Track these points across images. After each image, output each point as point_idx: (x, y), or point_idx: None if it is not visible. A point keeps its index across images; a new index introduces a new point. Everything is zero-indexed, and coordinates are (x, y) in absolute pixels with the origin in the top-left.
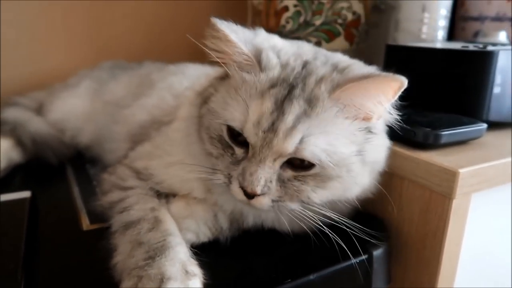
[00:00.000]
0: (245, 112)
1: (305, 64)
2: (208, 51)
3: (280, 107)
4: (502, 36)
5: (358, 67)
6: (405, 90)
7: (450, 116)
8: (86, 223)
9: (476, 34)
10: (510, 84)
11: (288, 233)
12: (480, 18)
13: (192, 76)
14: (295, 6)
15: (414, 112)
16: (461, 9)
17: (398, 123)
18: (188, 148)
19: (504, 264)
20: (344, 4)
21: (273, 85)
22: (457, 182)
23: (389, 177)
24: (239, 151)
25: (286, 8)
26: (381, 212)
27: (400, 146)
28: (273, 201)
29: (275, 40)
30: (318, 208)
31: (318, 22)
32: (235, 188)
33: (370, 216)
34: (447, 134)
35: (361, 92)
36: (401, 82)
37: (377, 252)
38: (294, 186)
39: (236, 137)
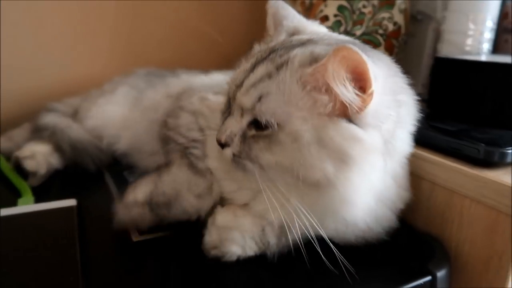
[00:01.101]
0: (233, 73)
1: (308, 40)
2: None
3: (253, 67)
4: None
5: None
6: (456, 104)
7: (510, 133)
8: (135, 234)
9: None
10: None
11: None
12: None
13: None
14: (335, 16)
15: (472, 128)
16: (505, 21)
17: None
18: None
19: None
20: (386, 15)
21: (262, 50)
22: None
23: (449, 195)
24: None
25: (326, 18)
26: (437, 231)
27: (458, 162)
28: (234, 155)
29: (316, 26)
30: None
31: (358, 32)
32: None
33: (426, 235)
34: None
35: (321, 70)
36: (348, 50)
37: (441, 274)
38: (249, 144)
39: None
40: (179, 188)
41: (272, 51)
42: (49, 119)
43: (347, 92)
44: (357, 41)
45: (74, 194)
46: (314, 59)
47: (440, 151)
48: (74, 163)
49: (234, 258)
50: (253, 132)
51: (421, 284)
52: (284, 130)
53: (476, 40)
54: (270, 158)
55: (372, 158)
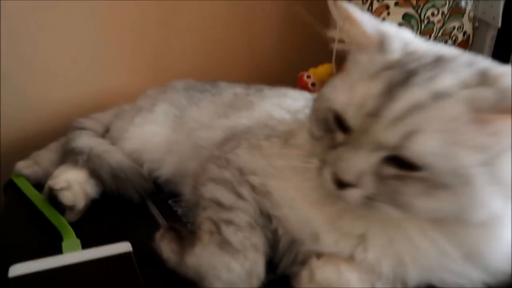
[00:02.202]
0: (349, 94)
1: (439, 58)
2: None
3: (390, 92)
4: None
5: None
6: None
7: None
8: None
9: None
10: None
11: None
12: None
13: (300, 98)
14: (399, 25)
15: None
16: None
17: None
18: (306, 148)
19: None
20: (456, 24)
21: (387, 68)
22: None
23: None
24: (340, 136)
25: None
26: None
27: None
28: (366, 197)
29: (409, 35)
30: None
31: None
32: (326, 173)
33: None
34: None
35: None
36: None
37: None
38: (393, 186)
39: (342, 122)
40: (204, 275)
41: (410, 72)
42: (83, 141)
43: None
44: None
45: (118, 230)
46: (491, 106)
47: None
48: (114, 192)
49: None
50: (393, 170)
51: None
52: (450, 171)
53: None
54: (429, 204)
55: None
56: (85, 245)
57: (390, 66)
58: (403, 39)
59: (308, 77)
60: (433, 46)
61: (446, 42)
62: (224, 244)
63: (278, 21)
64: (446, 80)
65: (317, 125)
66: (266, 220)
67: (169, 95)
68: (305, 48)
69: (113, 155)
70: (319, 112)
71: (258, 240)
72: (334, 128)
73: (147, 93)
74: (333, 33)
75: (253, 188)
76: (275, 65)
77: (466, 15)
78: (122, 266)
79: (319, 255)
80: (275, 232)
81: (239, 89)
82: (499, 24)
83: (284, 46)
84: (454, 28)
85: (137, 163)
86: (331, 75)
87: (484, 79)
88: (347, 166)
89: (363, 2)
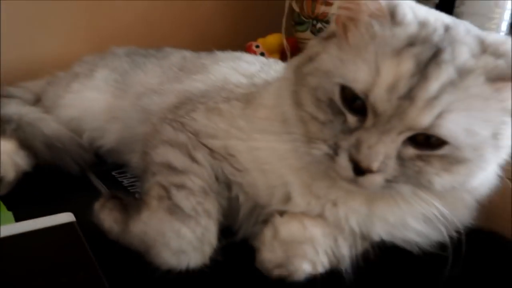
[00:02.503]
0: (373, 72)
1: (447, 28)
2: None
3: (422, 71)
4: None
5: None
6: None
7: None
8: None
9: None
10: None
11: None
12: None
13: (255, 62)
14: None
15: None
16: None
17: None
18: (277, 112)
19: None
20: None
21: (411, 43)
22: None
23: None
24: (352, 118)
25: None
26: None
27: None
28: (386, 180)
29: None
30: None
31: None
32: (343, 161)
33: (494, 235)
34: None
35: None
36: None
37: None
38: (415, 167)
39: (350, 102)
40: (151, 243)
41: (437, 48)
42: (11, 109)
43: None
44: None
45: (60, 204)
46: (501, 76)
47: None
48: (51, 164)
49: (302, 277)
50: (413, 151)
51: None
52: (471, 146)
53: (495, 23)
54: (448, 179)
55: None
56: (23, 219)
57: (413, 42)
58: (409, 5)
59: (257, 46)
60: (429, 10)
61: None
62: (175, 210)
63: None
64: (464, 54)
65: (319, 107)
66: (223, 187)
67: (110, 61)
68: (252, 18)
69: (47, 124)
70: (318, 91)
71: (211, 206)
72: (343, 110)
73: (84, 59)
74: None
75: (211, 152)
76: (222, 35)
77: None
78: (66, 236)
79: (281, 213)
80: (235, 199)
81: (187, 53)
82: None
83: (231, 16)
84: None
85: (75, 133)
86: (280, 45)
87: (484, 47)
88: (372, 153)
89: None
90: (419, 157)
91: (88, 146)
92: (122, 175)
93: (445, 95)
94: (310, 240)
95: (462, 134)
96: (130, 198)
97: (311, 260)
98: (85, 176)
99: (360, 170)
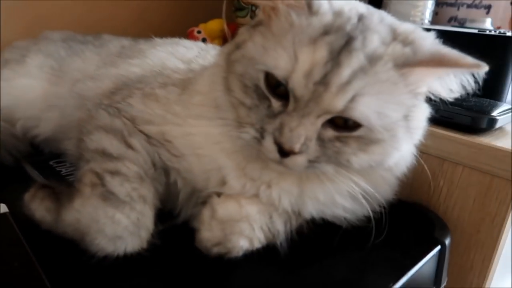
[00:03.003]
0: (292, 60)
1: (361, 17)
2: None
3: (335, 58)
4: (488, 23)
5: (423, 38)
6: None
7: (486, 101)
8: None
9: (451, 19)
10: None
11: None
12: (456, 4)
13: (193, 47)
14: None
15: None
16: None
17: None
18: (211, 97)
19: None
20: None
21: (326, 32)
22: None
23: (438, 163)
24: (276, 103)
25: None
26: (423, 200)
27: (446, 130)
28: (309, 161)
29: None
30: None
31: None
32: (269, 144)
33: (417, 205)
34: (501, 118)
35: (433, 75)
36: (482, 68)
37: (447, 241)
38: (334, 147)
39: (274, 87)
40: (85, 231)
41: (349, 37)
42: None
43: (445, 88)
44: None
45: None
46: (407, 62)
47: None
48: None
49: (240, 253)
50: (332, 132)
51: (434, 254)
52: (384, 127)
53: (420, 11)
54: (365, 158)
55: None
56: None
57: (328, 30)
58: None
59: (199, 32)
60: (347, 0)
61: None
62: (108, 196)
63: None
64: (374, 41)
65: (246, 92)
66: (160, 173)
67: (44, 46)
68: (193, 4)
69: None
70: (245, 77)
71: (147, 192)
72: (268, 95)
73: (15, 45)
74: None
75: (148, 138)
76: (164, 21)
77: None
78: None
79: (219, 194)
80: (174, 184)
81: (126, 41)
82: None
83: (172, 2)
84: None
85: (8, 122)
86: (221, 30)
87: (395, 35)
88: (294, 135)
89: None
90: (338, 139)
91: (23, 135)
92: (60, 164)
93: (357, 80)
94: (246, 218)
95: (373, 116)
96: (62, 187)
97: (248, 237)
98: (20, 167)
99: (284, 152)
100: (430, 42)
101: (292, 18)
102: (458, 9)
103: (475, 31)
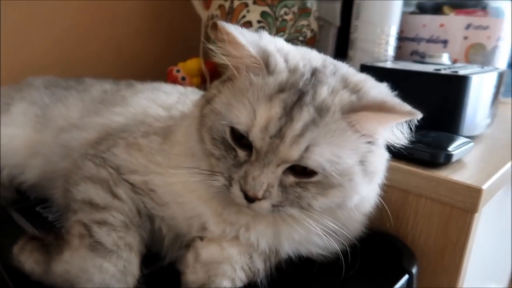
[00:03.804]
0: (251, 116)
1: (314, 72)
2: (215, 53)
3: (289, 113)
4: (445, 58)
5: (371, 87)
6: None
7: (444, 135)
8: None
9: (412, 53)
10: (478, 102)
11: (321, 259)
12: (416, 39)
13: (173, 92)
14: (259, 22)
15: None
16: (398, 29)
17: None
18: (188, 147)
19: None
20: (305, 22)
21: (281, 90)
22: (480, 198)
23: (404, 195)
24: (242, 153)
25: (249, 24)
26: (393, 230)
27: (408, 165)
28: (273, 205)
29: (281, 42)
30: (320, 217)
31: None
32: (236, 191)
33: (385, 235)
34: (457, 153)
35: (375, 120)
36: (416, 115)
37: (415, 270)
38: (295, 192)
39: (240, 139)
40: (74, 281)
41: (301, 93)
42: None
43: (392, 135)
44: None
45: None
46: (352, 109)
47: (392, 156)
48: None
49: None
50: (293, 179)
51: (403, 283)
52: (339, 173)
53: (383, 48)
54: (325, 201)
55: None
56: None
57: (283, 88)
58: (283, 53)
59: (178, 71)
60: (304, 53)
61: (298, 38)
62: (96, 246)
63: (144, 18)
64: (323, 93)
65: (215, 144)
66: (145, 220)
67: (27, 93)
68: (172, 43)
69: None
70: (213, 130)
71: (132, 239)
72: (234, 146)
73: None
74: (218, 52)
75: (133, 187)
76: (143, 60)
77: (312, 15)
78: None
79: (201, 237)
80: (159, 230)
81: (108, 86)
82: (338, 23)
83: (151, 42)
84: (303, 26)
85: None
86: (199, 69)
87: (346, 84)
88: (256, 183)
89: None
90: (298, 184)
91: (8, 183)
92: (46, 209)
93: (308, 132)
94: (228, 260)
95: (327, 164)
96: (50, 238)
97: (230, 277)
98: (7, 214)
99: (249, 198)
100: (378, 91)
101: (251, 78)
102: (419, 43)
103: (432, 70)
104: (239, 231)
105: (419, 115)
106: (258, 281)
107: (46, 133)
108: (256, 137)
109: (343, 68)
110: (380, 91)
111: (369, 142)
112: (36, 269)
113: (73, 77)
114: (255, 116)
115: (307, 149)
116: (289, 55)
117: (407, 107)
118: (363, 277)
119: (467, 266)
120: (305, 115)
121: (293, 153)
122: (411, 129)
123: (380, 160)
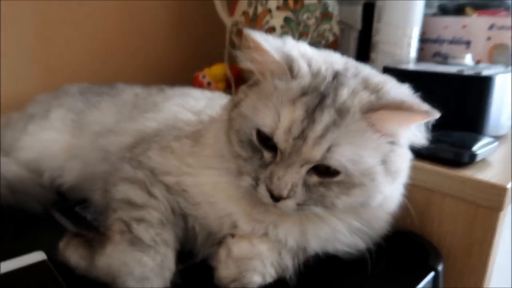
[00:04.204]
0: (276, 119)
1: (336, 75)
2: (241, 59)
3: (311, 115)
4: (468, 59)
5: (391, 87)
6: None
7: (468, 135)
8: None
9: (435, 54)
10: (502, 102)
11: (347, 256)
12: (438, 41)
13: (202, 98)
14: (282, 27)
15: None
16: (421, 31)
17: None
18: (217, 149)
19: None
20: (327, 26)
21: (304, 93)
22: (506, 196)
23: (429, 195)
24: (267, 155)
25: (273, 29)
26: (418, 229)
27: (433, 164)
28: (298, 204)
29: (305, 47)
30: (344, 216)
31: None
32: (262, 190)
33: (412, 234)
34: (481, 152)
35: (394, 119)
36: (433, 115)
37: (440, 267)
38: (319, 192)
39: (265, 141)
40: (116, 274)
41: (322, 95)
42: None
43: (412, 135)
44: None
45: (29, 243)
46: (371, 108)
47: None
48: (14, 206)
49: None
50: (316, 179)
51: (429, 281)
52: (361, 172)
53: (405, 50)
54: (348, 200)
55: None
56: None
57: (305, 92)
58: (306, 58)
59: (204, 77)
60: (327, 57)
61: (320, 42)
62: (135, 241)
63: (170, 27)
64: (344, 95)
65: (242, 146)
66: (179, 218)
67: (64, 100)
68: (197, 50)
69: (8, 167)
70: (240, 133)
71: (168, 236)
72: (260, 148)
73: (38, 99)
74: (243, 58)
75: (167, 188)
76: (170, 67)
77: (333, 19)
78: (40, 275)
79: (233, 234)
80: (192, 229)
81: (138, 89)
82: (359, 26)
83: (177, 50)
84: (325, 30)
85: (35, 173)
86: (225, 74)
87: (367, 85)
88: (281, 183)
89: (248, 6)
90: (322, 184)
91: (49, 185)
92: (85, 209)
93: (330, 133)
94: (258, 256)
95: (349, 164)
96: (93, 234)
97: (261, 272)
98: (49, 214)
99: (275, 197)
100: (398, 91)
101: (275, 82)
102: (441, 45)
103: (455, 71)
104: (267, 228)
105: (437, 115)
106: (287, 277)
107: (83, 137)
108: (280, 138)
109: (365, 70)
110: (401, 91)
111: (390, 142)
112: (81, 263)
113: (103, 83)
114: (279, 119)
115: (329, 149)
116: (312, 59)
117: (425, 106)
118: (389, 274)
119: (493, 264)
120: (326, 117)
121: (315, 154)
122: (432, 129)
123: (403, 160)
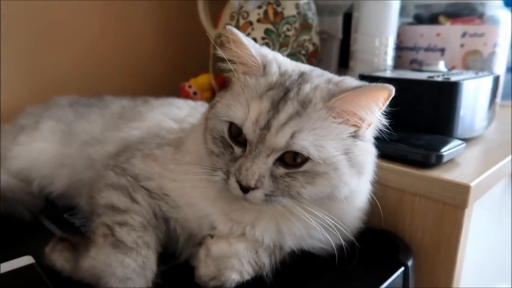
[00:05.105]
0: (246, 111)
1: (301, 74)
2: (224, 57)
3: (275, 107)
4: (441, 65)
5: (351, 80)
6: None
7: (437, 138)
8: None
9: (412, 62)
10: (474, 106)
11: (322, 253)
12: (415, 48)
13: (184, 107)
14: (263, 38)
15: (406, 135)
16: (397, 40)
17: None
18: (197, 155)
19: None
20: (306, 37)
21: (270, 88)
22: (469, 195)
23: (401, 194)
24: (237, 150)
25: (254, 40)
26: (391, 227)
27: (403, 166)
28: (266, 195)
29: (277, 55)
30: (314, 210)
31: (285, 53)
32: (233, 183)
33: (384, 232)
34: (448, 153)
35: (354, 100)
36: (390, 91)
37: (410, 263)
38: (285, 182)
39: (236, 137)
40: (100, 275)
41: (287, 89)
42: None
43: (373, 117)
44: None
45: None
46: (332, 94)
47: (387, 158)
48: (2, 213)
49: (233, 285)
50: (282, 170)
51: (399, 275)
52: (323, 159)
53: (383, 58)
54: (313, 190)
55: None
56: None
57: (272, 87)
58: (278, 61)
59: (190, 86)
60: (297, 64)
61: (300, 52)
62: (118, 244)
63: (158, 38)
64: (307, 88)
65: (215, 143)
66: (161, 222)
67: (54, 112)
68: (183, 61)
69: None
70: (214, 130)
71: (150, 238)
72: (231, 143)
73: (28, 111)
74: (223, 53)
75: (149, 193)
76: (158, 77)
77: (313, 30)
78: (28, 278)
79: (212, 235)
80: (174, 231)
81: (125, 102)
82: (340, 36)
83: (164, 60)
84: (305, 40)
85: (25, 181)
86: (210, 84)
87: (329, 81)
88: (249, 173)
89: (230, 19)
90: (288, 175)
91: (38, 193)
92: (73, 216)
93: (292, 121)
94: (235, 254)
95: (312, 148)
96: (77, 238)
97: (238, 270)
98: (38, 221)
99: (244, 188)
100: (356, 82)
101: (247, 80)
102: (417, 52)
103: (425, 77)
104: (245, 228)
105: (393, 90)
106: (264, 274)
107: (71, 147)
108: (248, 129)
109: (329, 74)
110: (360, 82)
111: (353, 136)
112: (66, 265)
113: (93, 94)
114: (248, 111)
115: (292, 136)
116: (282, 63)
117: (381, 83)
118: (361, 270)
119: (462, 259)
120: (289, 107)
121: (279, 141)
122: (405, 132)
123: (366, 154)
